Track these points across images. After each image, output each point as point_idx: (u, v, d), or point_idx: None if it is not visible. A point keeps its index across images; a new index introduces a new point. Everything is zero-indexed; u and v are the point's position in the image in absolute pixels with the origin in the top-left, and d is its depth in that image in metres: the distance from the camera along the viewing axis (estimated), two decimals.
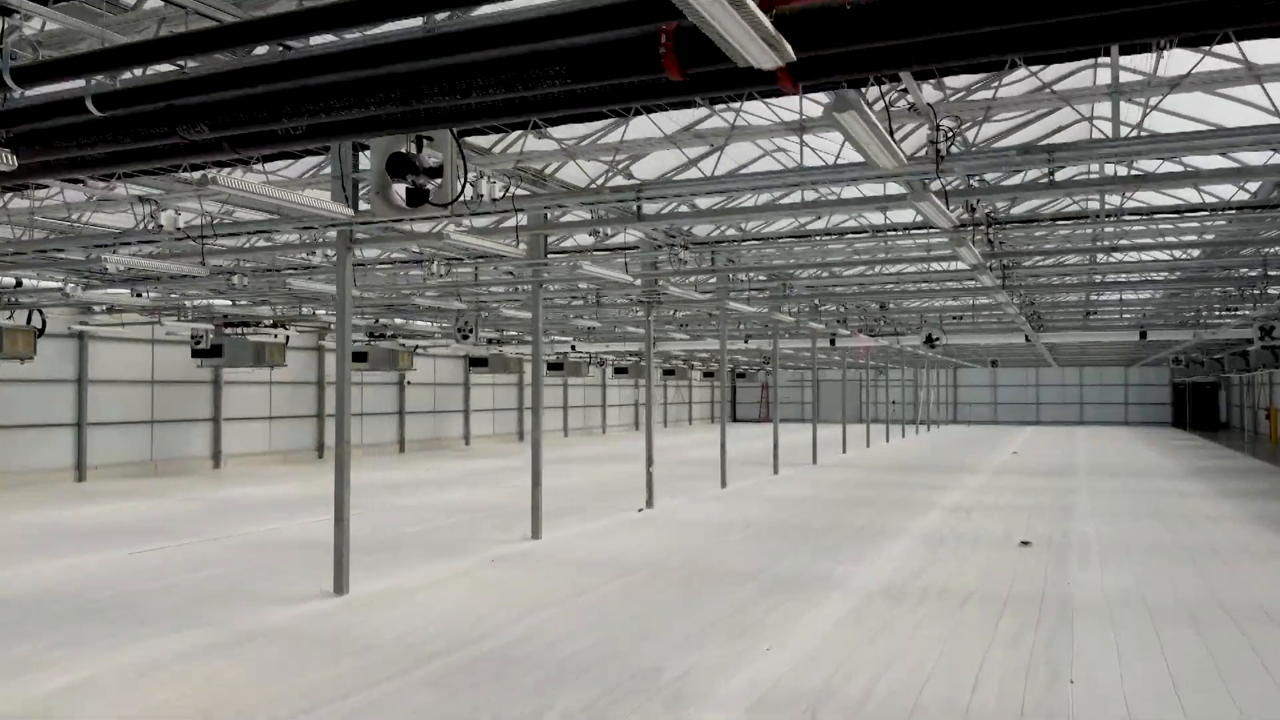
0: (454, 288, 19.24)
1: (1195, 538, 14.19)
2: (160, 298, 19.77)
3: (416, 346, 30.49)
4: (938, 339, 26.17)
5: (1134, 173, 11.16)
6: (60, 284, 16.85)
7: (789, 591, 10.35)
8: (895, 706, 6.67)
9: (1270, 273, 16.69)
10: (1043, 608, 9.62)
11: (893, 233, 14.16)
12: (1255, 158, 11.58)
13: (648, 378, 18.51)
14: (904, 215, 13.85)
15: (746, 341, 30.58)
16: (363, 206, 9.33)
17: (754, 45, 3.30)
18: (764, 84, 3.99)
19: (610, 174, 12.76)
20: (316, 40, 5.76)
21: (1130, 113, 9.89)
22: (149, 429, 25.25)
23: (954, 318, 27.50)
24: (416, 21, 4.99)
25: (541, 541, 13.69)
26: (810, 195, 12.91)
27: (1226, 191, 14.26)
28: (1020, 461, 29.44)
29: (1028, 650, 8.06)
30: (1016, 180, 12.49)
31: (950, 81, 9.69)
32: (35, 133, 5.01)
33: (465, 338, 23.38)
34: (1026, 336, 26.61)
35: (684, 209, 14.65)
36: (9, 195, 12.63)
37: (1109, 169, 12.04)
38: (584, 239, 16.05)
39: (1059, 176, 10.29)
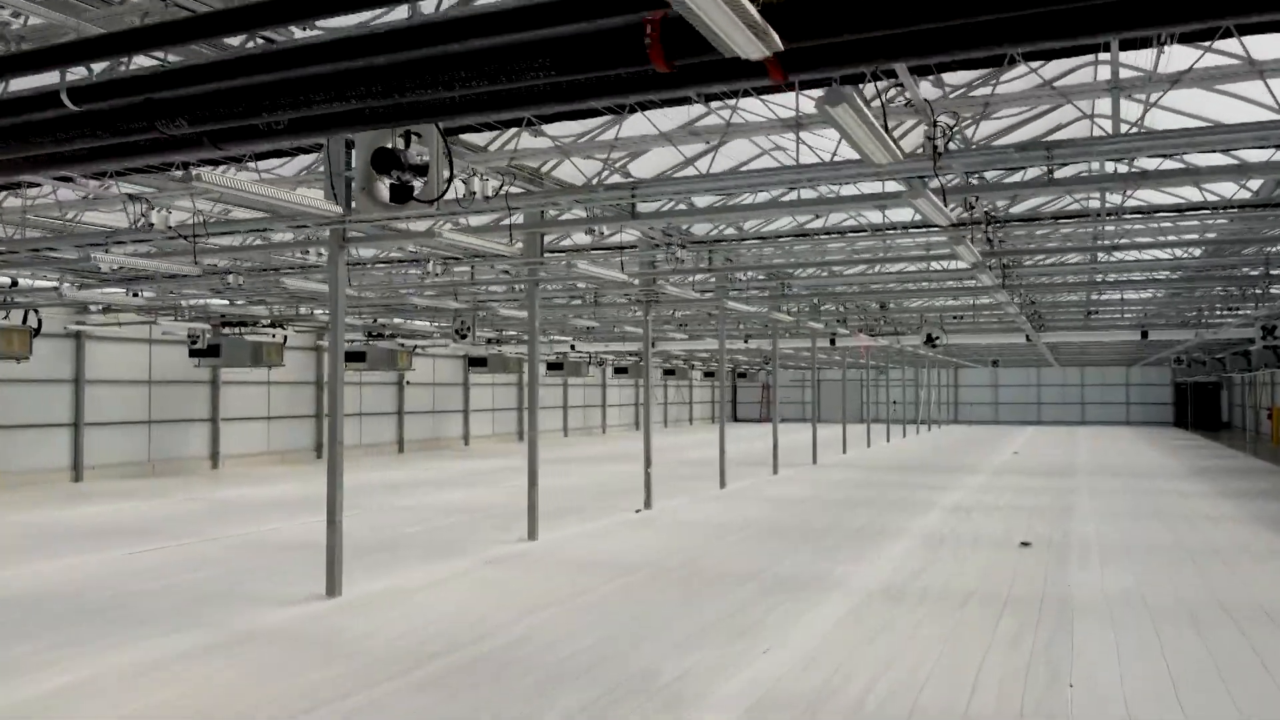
0: (451, 287, 19.17)
1: (1196, 538, 14.10)
2: (156, 297, 19.71)
3: (415, 346, 30.41)
4: (938, 339, 26.08)
5: (1134, 170, 11.07)
6: (55, 283, 16.78)
7: (788, 592, 10.27)
8: (894, 708, 6.59)
9: (1272, 272, 16.59)
10: (1042, 608, 9.54)
11: (892, 231, 14.07)
12: (1257, 157, 11.49)
13: (645, 377, 18.43)
14: (903, 214, 13.76)
15: (746, 341, 30.49)
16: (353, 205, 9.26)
17: (740, 35, 3.22)
18: (754, 76, 3.90)
19: (608, 173, 12.68)
20: (307, 37, 5.67)
21: (1131, 111, 9.80)
22: (146, 429, 25.18)
23: (954, 317, 27.41)
24: (402, 12, 4.93)
25: (539, 542, 13.60)
26: (809, 194, 12.83)
27: (1228, 190, 14.18)
28: (1021, 461, 29.34)
29: (1027, 651, 7.97)
30: (1015, 178, 12.41)
31: (949, 78, 9.62)
32: (11, 128, 4.93)
33: (463, 337, 23.30)
34: (1027, 336, 26.53)
35: (682, 208, 14.57)
36: (3, 194, 12.57)
37: (1109, 167, 11.94)
38: (583, 238, 15.98)
39: (1060, 175, 10.21)
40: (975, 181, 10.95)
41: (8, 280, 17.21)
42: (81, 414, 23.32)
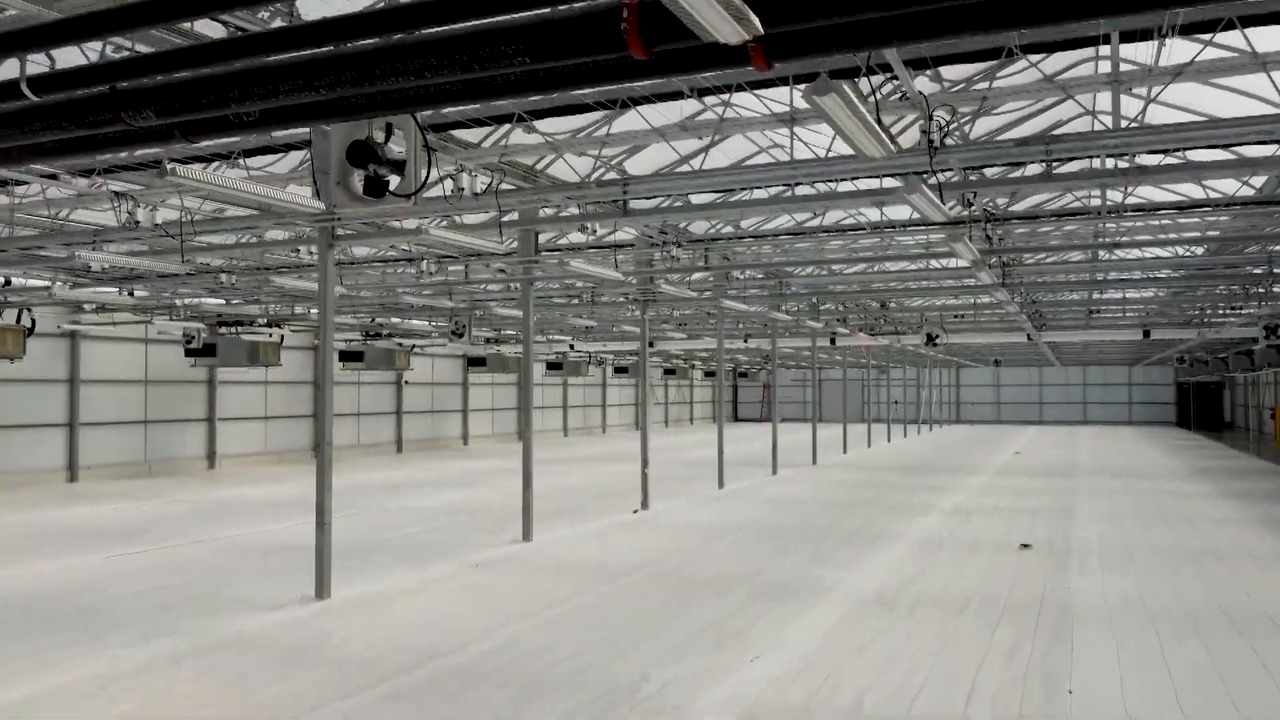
0: (446, 286, 19.03)
1: (1198, 541, 13.92)
2: (150, 296, 19.57)
3: (414, 346, 30.27)
4: (938, 338, 25.93)
5: (1134, 166, 10.90)
6: (48, 282, 16.65)
7: (779, 598, 10.10)
8: (886, 718, 6.43)
9: (1275, 270, 16.41)
10: (1041, 614, 9.37)
11: (890, 229, 13.91)
12: (1259, 153, 11.31)
13: (643, 376, 18.28)
14: (902, 212, 13.60)
15: (746, 341, 30.33)
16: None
17: (718, 18, 3.06)
18: (737, 62, 3.74)
19: (604, 170, 12.53)
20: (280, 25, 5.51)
21: (1132, 108, 9.63)
22: (142, 429, 25.05)
23: (955, 317, 27.25)
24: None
25: (532, 544, 13.45)
26: (808, 192, 12.67)
27: (1230, 187, 14.01)
28: (1022, 462, 29.16)
29: (1025, 659, 7.81)
30: (1014, 175, 12.25)
31: (947, 73, 9.46)
32: None
33: (459, 336, 23.16)
34: (1029, 335, 26.36)
35: (678, 205, 14.41)
36: None
37: (1110, 163, 11.77)
38: (581, 237, 15.83)
39: (1061, 172, 10.04)
40: (974, 178, 10.79)
41: (0, 279, 17.09)
42: (76, 414, 23.18)
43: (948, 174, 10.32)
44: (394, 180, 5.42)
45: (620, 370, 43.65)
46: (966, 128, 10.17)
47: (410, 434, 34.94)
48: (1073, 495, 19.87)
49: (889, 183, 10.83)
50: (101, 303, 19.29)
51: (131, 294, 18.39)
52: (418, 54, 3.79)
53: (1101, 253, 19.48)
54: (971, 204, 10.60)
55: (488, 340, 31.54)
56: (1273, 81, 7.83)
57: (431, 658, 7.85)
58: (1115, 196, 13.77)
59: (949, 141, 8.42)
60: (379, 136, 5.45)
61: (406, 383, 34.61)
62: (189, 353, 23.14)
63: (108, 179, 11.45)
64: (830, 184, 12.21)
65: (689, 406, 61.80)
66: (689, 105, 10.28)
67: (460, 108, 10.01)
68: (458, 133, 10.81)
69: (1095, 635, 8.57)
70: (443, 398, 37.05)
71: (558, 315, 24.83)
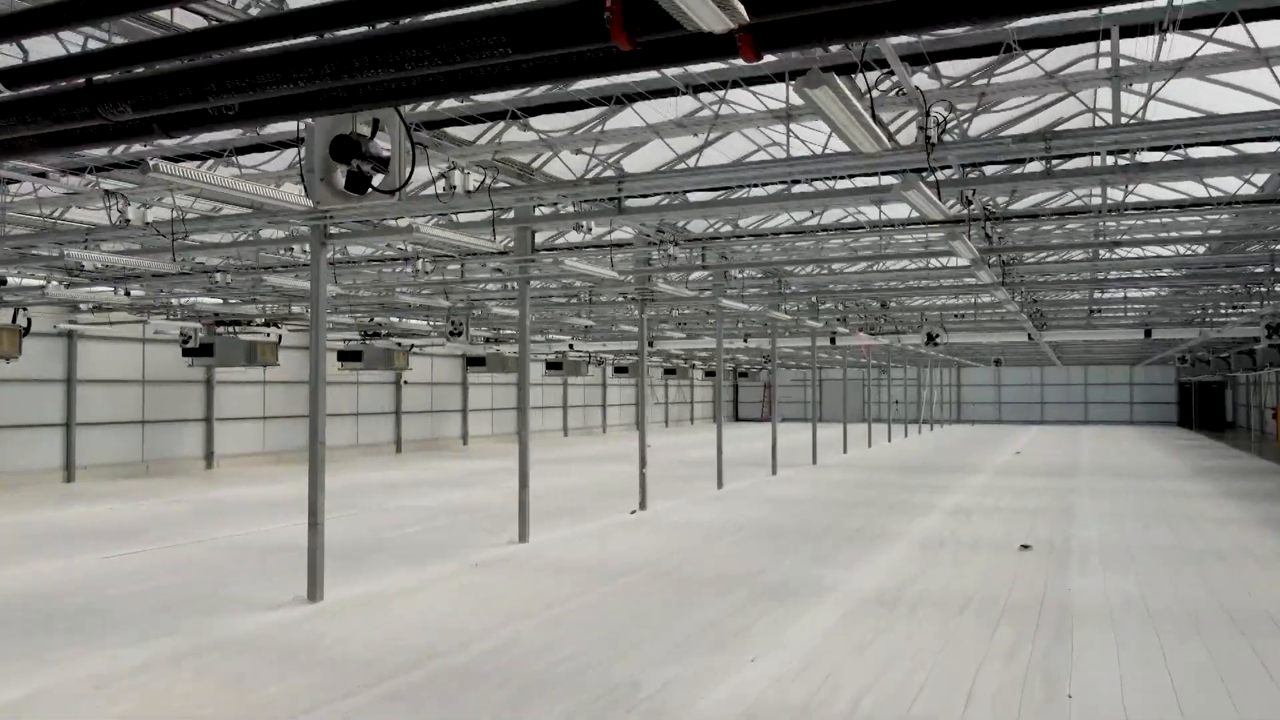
0: (443, 286, 18.94)
1: (1199, 541, 13.82)
2: (147, 296, 19.49)
3: (412, 346, 30.18)
4: (938, 337, 25.82)
5: (1135, 164, 10.80)
6: (42, 282, 16.56)
7: (779, 598, 10.01)
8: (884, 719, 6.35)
9: (1277, 269, 16.29)
10: (1041, 615, 9.27)
11: (889, 228, 13.81)
12: (1260, 150, 11.20)
13: (641, 376, 18.19)
14: (902, 211, 13.50)
15: (745, 340, 30.22)
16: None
17: (700, 4, 2.98)
18: (724, 53, 3.65)
19: (600, 168, 12.44)
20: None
21: (1132, 105, 9.53)
22: (140, 429, 24.97)
23: (956, 316, 27.14)
24: None
25: (529, 545, 13.35)
26: (805, 189, 12.58)
27: (1231, 185, 13.90)
28: (1023, 462, 29.05)
29: (1025, 660, 7.71)
30: (1014, 173, 12.14)
31: (946, 70, 9.36)
32: None
33: (457, 335, 23.06)
34: (1029, 335, 26.24)
35: (677, 203, 14.32)
36: None
37: (1110, 160, 11.67)
38: (577, 236, 15.73)
39: (1061, 169, 9.93)
40: (973, 175, 10.69)
41: None
42: (73, 414, 23.10)
43: (947, 171, 10.23)
44: (378, 177, 5.35)
45: (620, 370, 43.52)
46: (965, 125, 10.08)
47: (409, 434, 34.85)
48: (1073, 495, 19.76)
49: (887, 180, 10.73)
50: (97, 302, 19.19)
51: (128, 293, 18.31)
52: (397, 45, 3.70)
53: (1102, 251, 19.39)
54: (971, 202, 10.49)
55: (486, 340, 31.44)
56: (1275, 76, 7.73)
57: (430, 658, 7.78)
58: (1116, 195, 13.67)
59: (947, 138, 8.32)
60: (364, 131, 5.37)
61: (405, 382, 34.52)
62: (186, 352, 23.07)
63: (100, 177, 11.38)
64: (828, 182, 12.11)
65: (689, 406, 61.70)
66: (685, 103, 10.20)
67: (454, 105, 9.94)
68: (452, 130, 10.73)
69: (1096, 635, 8.48)
70: (442, 398, 36.96)
71: (556, 315, 24.74)
